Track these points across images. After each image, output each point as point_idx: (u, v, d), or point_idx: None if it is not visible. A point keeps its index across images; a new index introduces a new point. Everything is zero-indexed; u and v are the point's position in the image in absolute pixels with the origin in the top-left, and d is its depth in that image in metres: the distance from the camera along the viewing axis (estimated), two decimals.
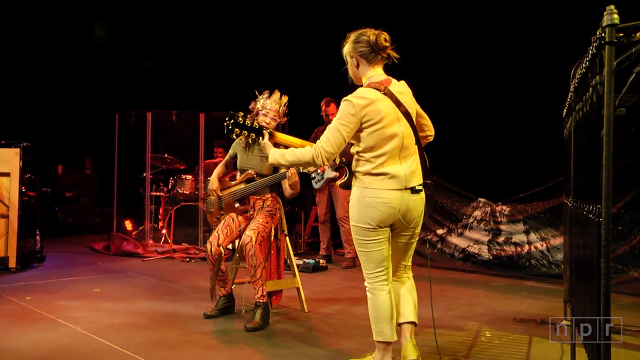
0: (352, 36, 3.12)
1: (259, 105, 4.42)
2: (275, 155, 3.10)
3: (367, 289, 3.11)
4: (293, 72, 8.71)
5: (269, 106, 4.39)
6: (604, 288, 1.90)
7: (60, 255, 7.35)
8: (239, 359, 3.38)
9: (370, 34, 3.04)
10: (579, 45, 2.83)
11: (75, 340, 3.69)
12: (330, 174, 6.11)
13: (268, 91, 4.49)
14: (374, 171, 2.97)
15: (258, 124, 3.97)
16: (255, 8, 9.16)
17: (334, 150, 2.97)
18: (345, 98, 2.99)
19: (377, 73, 3.08)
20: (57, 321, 4.13)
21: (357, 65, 3.11)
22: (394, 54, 3.10)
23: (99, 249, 7.88)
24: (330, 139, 2.95)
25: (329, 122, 6.75)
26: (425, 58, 7.04)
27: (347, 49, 3.13)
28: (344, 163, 3.20)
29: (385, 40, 3.04)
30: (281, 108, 4.44)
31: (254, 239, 4.08)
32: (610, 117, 1.89)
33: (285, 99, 4.49)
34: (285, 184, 4.31)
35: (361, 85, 3.12)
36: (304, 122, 7.47)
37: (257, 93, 4.49)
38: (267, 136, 3.38)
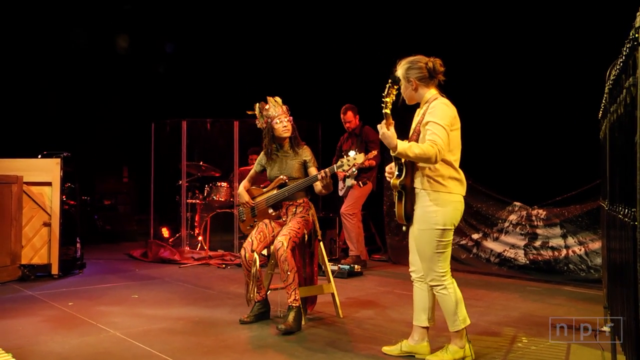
0: (406, 63, 3.37)
1: (266, 119, 4.47)
2: (403, 146, 3.17)
3: (440, 287, 3.34)
4: (327, 79, 8.76)
5: (275, 113, 4.44)
6: None
7: (100, 262, 7.51)
8: None
9: (427, 60, 3.34)
10: (616, 46, 2.80)
11: (115, 345, 3.77)
12: (350, 182, 6.14)
13: (257, 104, 4.54)
14: (456, 176, 3.30)
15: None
16: (290, 16, 9.24)
17: (446, 150, 3.20)
18: (440, 102, 3.26)
19: (435, 91, 3.38)
20: (98, 326, 4.23)
21: (416, 89, 3.37)
22: (442, 77, 3.39)
23: (137, 256, 8.01)
24: (444, 140, 3.18)
25: (349, 129, 6.87)
26: (459, 60, 7.00)
27: (402, 74, 3.37)
28: (404, 162, 3.33)
29: (441, 65, 3.36)
30: (284, 106, 4.50)
31: (285, 244, 4.12)
32: None
33: (277, 97, 4.54)
34: (317, 185, 4.33)
35: (417, 105, 3.44)
36: (337, 129, 7.51)
37: (251, 112, 4.56)
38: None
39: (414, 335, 3.55)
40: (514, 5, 6.82)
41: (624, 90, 2.26)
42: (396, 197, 3.39)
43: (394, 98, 3.25)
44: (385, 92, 3.20)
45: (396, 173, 3.35)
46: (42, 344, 3.78)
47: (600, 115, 3.79)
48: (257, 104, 4.55)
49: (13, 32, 9.08)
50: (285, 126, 4.44)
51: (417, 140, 3.30)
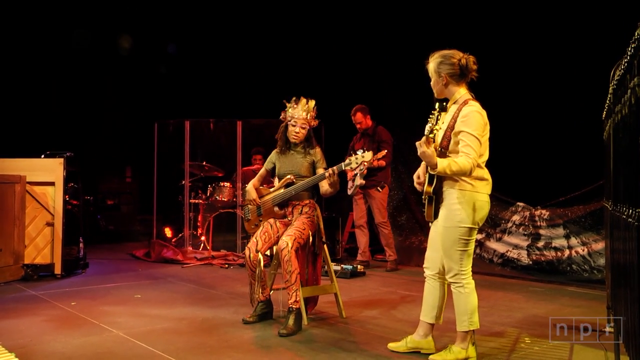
0: (439, 56, 3.37)
1: (287, 116, 4.49)
2: (443, 164, 3.19)
3: (458, 285, 3.36)
4: (330, 79, 8.75)
5: (297, 115, 4.45)
6: None
7: (103, 262, 7.51)
8: None
9: (460, 56, 3.33)
10: (620, 46, 2.79)
11: (118, 345, 3.77)
12: (358, 181, 6.13)
13: (295, 98, 4.55)
14: (485, 176, 3.34)
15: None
16: (293, 16, 9.24)
17: (477, 157, 3.24)
18: (473, 110, 3.24)
19: (465, 91, 3.38)
20: (101, 326, 4.23)
21: (446, 85, 3.37)
22: (474, 75, 3.39)
23: (140, 255, 8.02)
24: (477, 151, 3.23)
25: (360, 130, 6.86)
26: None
27: (434, 67, 3.38)
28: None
29: (474, 63, 3.36)
30: (309, 114, 4.50)
31: (290, 245, 4.12)
32: None
33: (312, 102, 4.53)
34: (324, 184, 4.34)
35: (446, 99, 3.42)
36: (340, 130, 7.51)
37: (285, 103, 4.55)
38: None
39: (419, 331, 3.59)
40: (518, 5, 6.81)
41: (629, 91, 2.25)
42: (426, 200, 3.41)
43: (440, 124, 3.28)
44: (434, 121, 3.19)
45: (427, 181, 3.37)
46: (45, 343, 3.79)
47: (604, 116, 3.78)
48: (294, 98, 4.57)
49: (17, 31, 9.09)
50: (297, 133, 4.46)
51: (447, 146, 3.32)
